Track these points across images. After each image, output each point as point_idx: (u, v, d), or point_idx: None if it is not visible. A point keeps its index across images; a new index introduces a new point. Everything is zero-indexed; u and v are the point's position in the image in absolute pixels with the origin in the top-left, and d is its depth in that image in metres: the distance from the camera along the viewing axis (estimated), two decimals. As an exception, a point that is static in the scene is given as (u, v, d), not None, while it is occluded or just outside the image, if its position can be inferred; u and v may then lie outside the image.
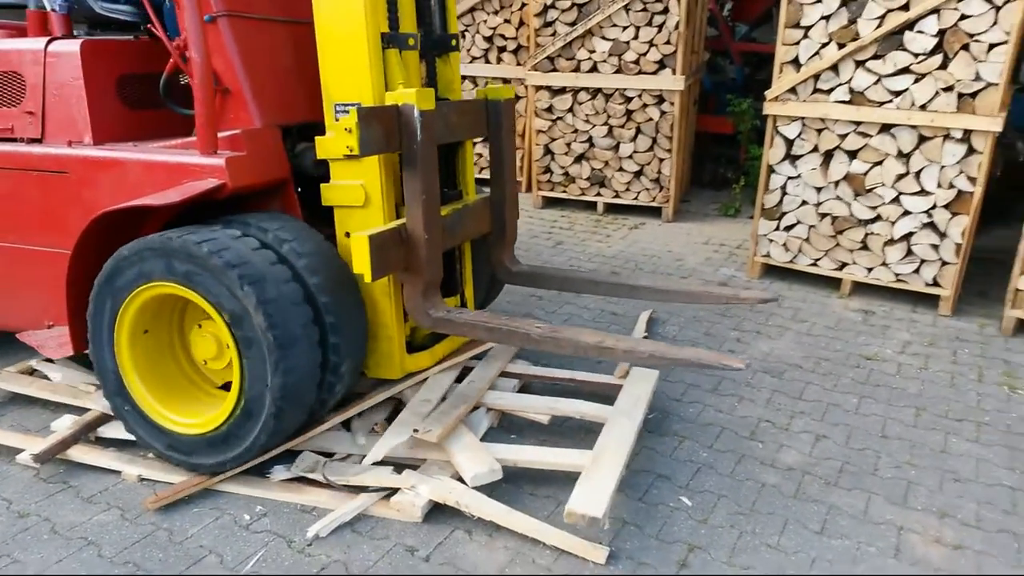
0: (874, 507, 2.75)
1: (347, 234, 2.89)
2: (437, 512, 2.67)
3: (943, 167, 4.28)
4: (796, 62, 4.62)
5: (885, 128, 4.41)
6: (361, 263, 2.59)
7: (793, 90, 4.64)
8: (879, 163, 4.48)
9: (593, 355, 2.66)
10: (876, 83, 4.36)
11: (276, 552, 2.49)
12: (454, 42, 3.22)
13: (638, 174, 6.45)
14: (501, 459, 2.78)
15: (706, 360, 2.52)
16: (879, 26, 4.26)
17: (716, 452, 3.08)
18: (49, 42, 3.08)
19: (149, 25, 2.93)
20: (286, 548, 2.51)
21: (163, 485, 2.81)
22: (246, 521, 2.65)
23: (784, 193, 4.87)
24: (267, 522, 2.64)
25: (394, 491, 2.70)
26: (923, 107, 4.24)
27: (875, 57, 4.33)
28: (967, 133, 4.17)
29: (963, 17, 4.03)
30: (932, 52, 4.16)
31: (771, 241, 5.02)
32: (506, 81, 6.92)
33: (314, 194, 2.97)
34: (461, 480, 2.71)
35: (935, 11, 4.08)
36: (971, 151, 4.20)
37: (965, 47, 4.07)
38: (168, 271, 2.58)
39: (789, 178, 4.82)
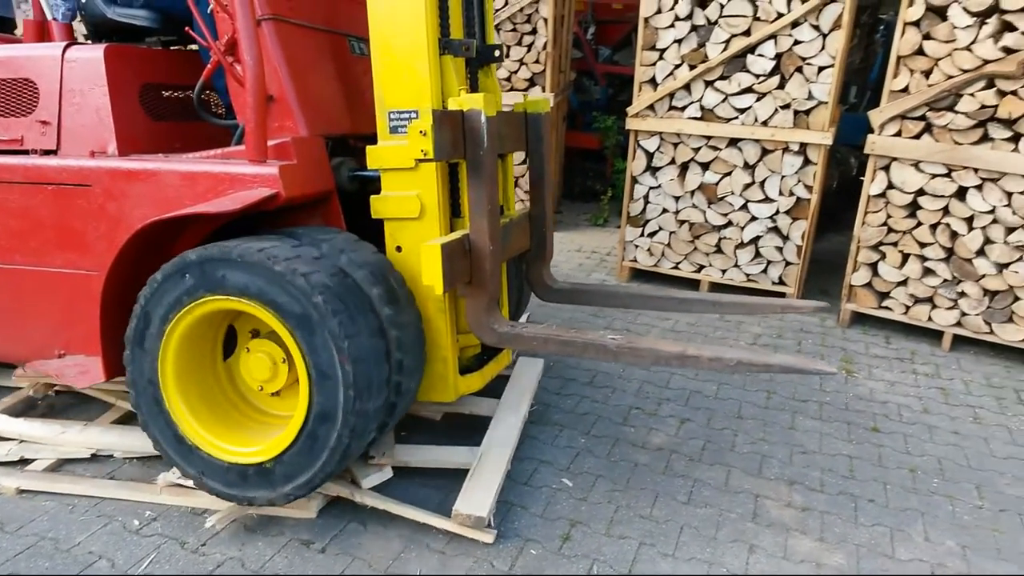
0: (733, 478, 3.03)
1: (398, 248, 2.74)
2: (331, 507, 2.74)
3: (783, 177, 4.74)
4: (653, 81, 4.99)
5: (733, 142, 4.83)
6: (432, 274, 2.41)
7: (651, 107, 5.01)
8: (728, 174, 4.90)
9: (675, 365, 2.50)
10: (723, 101, 4.77)
11: (169, 554, 2.49)
12: (497, 52, 3.02)
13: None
14: (394, 460, 2.88)
15: (797, 366, 2.41)
16: (725, 49, 4.68)
17: (593, 438, 3.30)
18: (67, 47, 2.84)
19: (187, 28, 2.75)
20: (179, 549, 2.51)
21: (45, 496, 2.75)
22: (135, 526, 2.63)
23: (647, 202, 5.23)
24: (158, 526, 2.63)
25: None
26: (765, 123, 4.68)
27: (722, 78, 4.75)
28: (803, 146, 4.65)
29: (796, 42, 4.49)
30: (771, 73, 4.61)
31: (637, 247, 5.37)
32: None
33: (346, 209, 2.84)
34: (355, 482, 2.79)
35: (772, 37, 4.53)
36: (807, 162, 4.68)
37: (799, 69, 4.54)
38: (236, 285, 2.36)
39: (651, 188, 5.18)
